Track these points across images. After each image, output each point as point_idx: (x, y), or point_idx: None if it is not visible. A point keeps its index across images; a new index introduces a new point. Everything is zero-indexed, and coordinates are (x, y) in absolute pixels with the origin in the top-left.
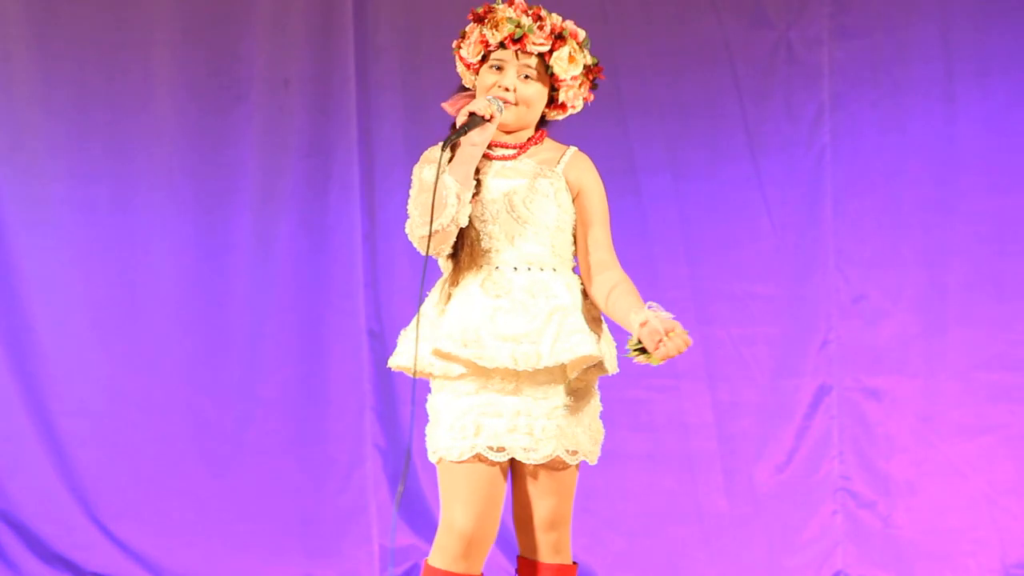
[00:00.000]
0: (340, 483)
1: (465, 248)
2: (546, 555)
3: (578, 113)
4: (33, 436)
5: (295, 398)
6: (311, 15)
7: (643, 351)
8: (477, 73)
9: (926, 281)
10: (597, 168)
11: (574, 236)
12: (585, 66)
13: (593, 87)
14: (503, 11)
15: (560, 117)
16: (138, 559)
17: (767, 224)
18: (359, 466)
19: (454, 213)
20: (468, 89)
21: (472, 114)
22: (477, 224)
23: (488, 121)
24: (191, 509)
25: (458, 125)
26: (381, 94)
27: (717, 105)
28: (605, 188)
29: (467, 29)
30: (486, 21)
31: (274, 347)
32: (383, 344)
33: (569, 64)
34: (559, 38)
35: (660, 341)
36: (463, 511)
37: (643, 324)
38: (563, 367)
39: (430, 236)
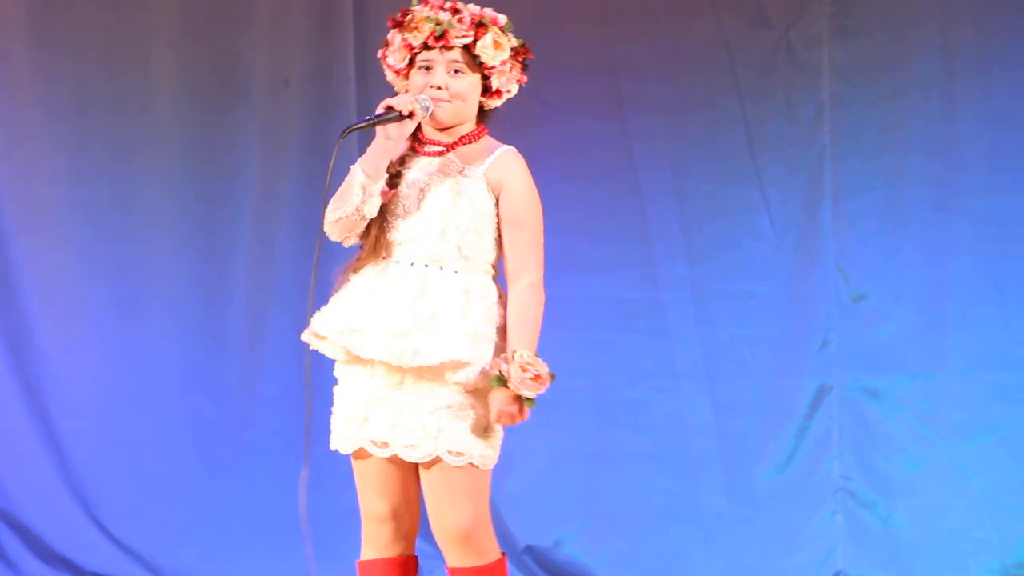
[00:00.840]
0: (340, 483)
1: (370, 237)
2: (457, 559)
3: (578, 113)
4: (33, 436)
5: (295, 398)
6: (311, 15)
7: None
8: (407, 78)
9: (926, 281)
10: (597, 165)
11: (498, 240)
12: (512, 49)
13: (524, 68)
14: (420, 12)
15: (498, 103)
16: (138, 559)
17: (767, 224)
18: None
19: (357, 203)
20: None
21: (389, 107)
22: (388, 216)
23: (408, 117)
24: (191, 509)
25: (373, 113)
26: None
27: (717, 105)
28: (539, 192)
29: (388, 37)
30: (405, 25)
31: (274, 347)
32: None
33: (495, 50)
34: (480, 26)
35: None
36: (375, 497)
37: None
38: (441, 366)
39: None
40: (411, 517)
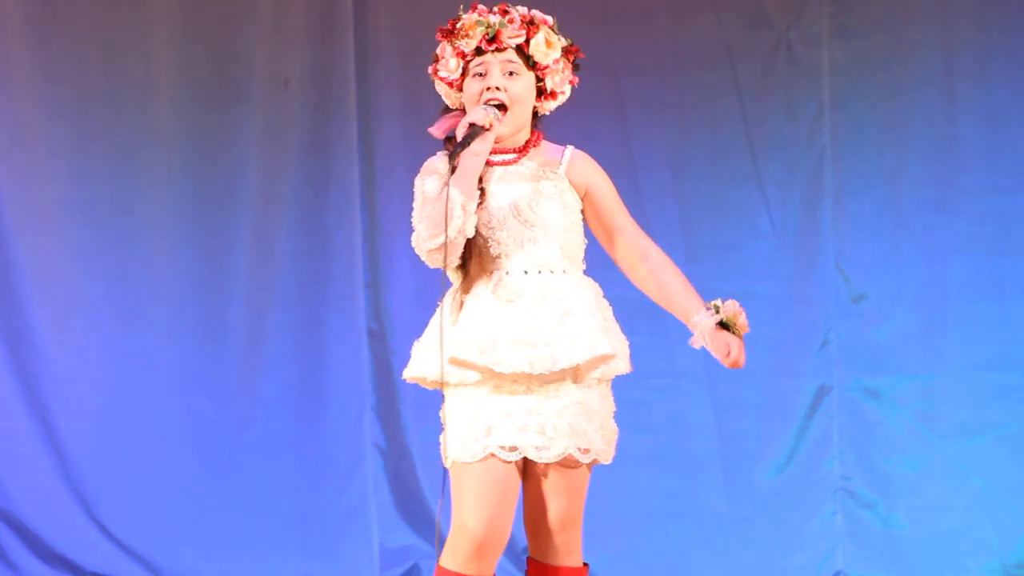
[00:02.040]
0: (340, 483)
1: (474, 256)
2: (557, 557)
3: (579, 113)
4: (33, 436)
5: (295, 398)
6: (311, 15)
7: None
8: (461, 89)
9: (926, 281)
10: (597, 161)
11: (586, 236)
12: (563, 48)
13: (575, 68)
14: (470, 18)
15: (552, 106)
16: (138, 559)
17: (767, 224)
18: (359, 466)
19: (460, 224)
20: (451, 110)
21: (472, 124)
22: (484, 231)
23: (487, 130)
24: (191, 509)
25: (459, 138)
26: (381, 94)
27: (717, 105)
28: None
29: (438, 50)
30: (455, 33)
31: (274, 347)
32: (383, 344)
33: (548, 48)
34: (531, 25)
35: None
36: (475, 513)
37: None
38: (576, 367)
39: (446, 248)
40: (499, 540)
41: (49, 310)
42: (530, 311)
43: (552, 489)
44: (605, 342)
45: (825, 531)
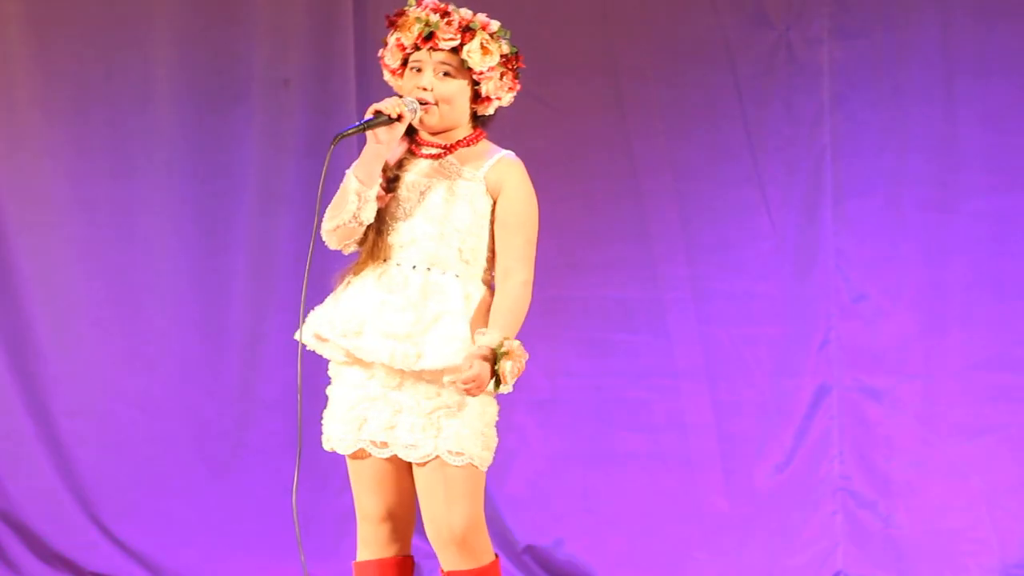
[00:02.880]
0: (340, 483)
1: (370, 240)
2: (460, 561)
3: (578, 113)
4: (33, 436)
5: (295, 398)
6: (311, 15)
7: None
8: (403, 77)
9: (926, 281)
10: (597, 165)
11: (492, 243)
12: (502, 55)
13: (516, 77)
14: (413, 12)
15: (489, 110)
16: (138, 559)
17: (767, 224)
18: None
19: (354, 210)
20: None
21: (378, 112)
22: (388, 219)
23: (396, 121)
24: (191, 509)
25: (362, 119)
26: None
27: (717, 105)
28: (537, 197)
29: (386, 37)
30: (399, 25)
31: (274, 347)
32: None
33: (483, 56)
34: (467, 31)
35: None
36: (370, 498)
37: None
38: (442, 371)
39: (313, 233)
40: (407, 517)
41: (49, 310)
42: (405, 305)
43: (427, 489)
44: (465, 354)
45: (825, 531)
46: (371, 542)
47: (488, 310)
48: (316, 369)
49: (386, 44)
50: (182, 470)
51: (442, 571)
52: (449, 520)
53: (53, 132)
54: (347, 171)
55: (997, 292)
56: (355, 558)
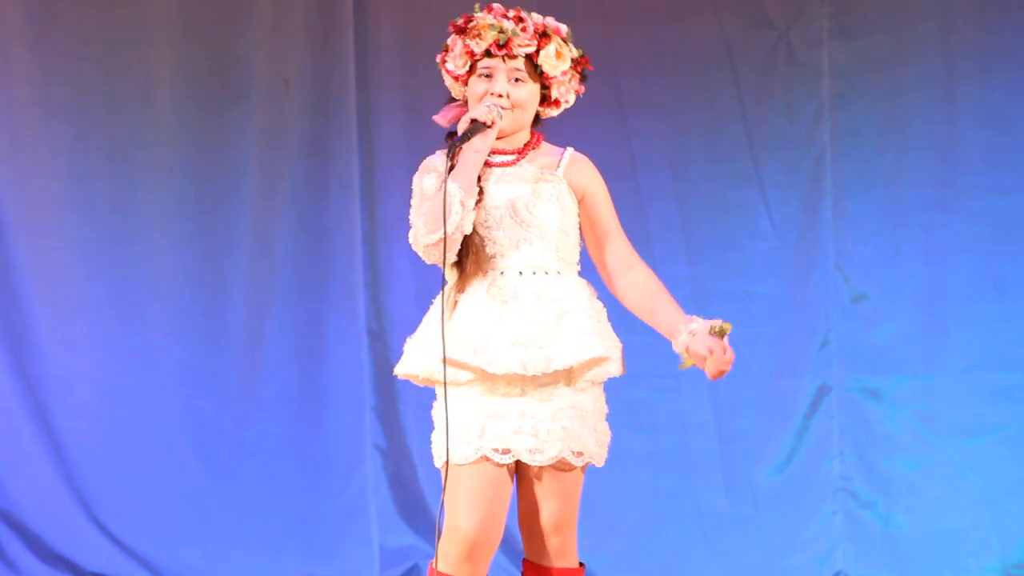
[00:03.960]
0: (340, 483)
1: (470, 255)
2: (552, 559)
3: (578, 113)
4: (33, 436)
5: (295, 398)
6: (311, 15)
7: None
8: (466, 84)
9: (926, 281)
10: (597, 166)
11: (581, 238)
12: (573, 60)
13: (583, 79)
14: (484, 19)
15: (554, 113)
16: (138, 559)
17: (767, 224)
18: (359, 466)
19: (459, 220)
20: (456, 100)
21: (474, 120)
22: (481, 230)
23: (489, 127)
24: (191, 509)
25: (460, 132)
26: (381, 94)
27: (717, 105)
28: (607, 183)
29: (449, 42)
30: (468, 31)
31: (274, 347)
32: (383, 344)
33: (557, 60)
34: (544, 36)
35: (705, 361)
36: (467, 515)
37: (687, 348)
38: (569, 369)
39: (445, 243)
40: (491, 542)
41: (49, 310)
42: (524, 312)
43: (545, 492)
44: (598, 344)
45: (825, 531)
46: (451, 554)
47: (595, 299)
48: (316, 369)
49: (447, 50)
50: (182, 470)
51: (550, 569)
52: (566, 516)
53: (53, 132)
54: (422, 184)
55: (997, 292)
56: (431, 563)
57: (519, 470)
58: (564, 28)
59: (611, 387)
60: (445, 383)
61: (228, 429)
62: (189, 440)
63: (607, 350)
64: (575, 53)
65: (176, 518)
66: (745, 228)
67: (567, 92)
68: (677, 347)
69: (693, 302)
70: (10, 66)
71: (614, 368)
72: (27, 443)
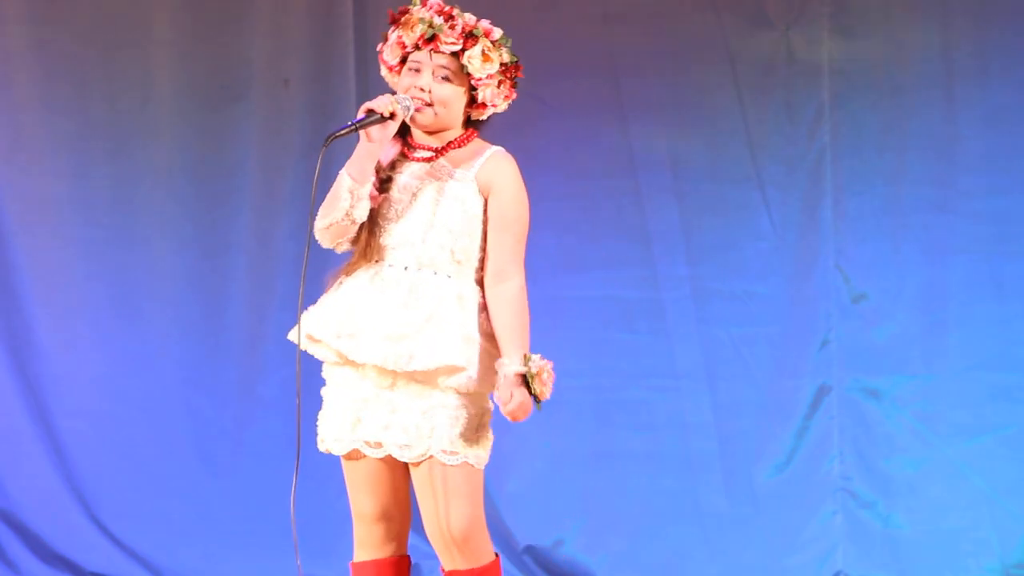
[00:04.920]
0: (340, 483)
1: (363, 241)
2: (460, 560)
3: (578, 113)
4: (33, 436)
5: (295, 398)
6: (311, 15)
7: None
8: (400, 75)
9: (926, 281)
10: (596, 165)
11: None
12: (502, 64)
13: (514, 85)
14: (417, 12)
15: (483, 116)
16: (138, 559)
17: (767, 224)
18: None
19: (347, 208)
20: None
21: (370, 111)
22: (381, 220)
23: (389, 119)
24: (191, 509)
25: (355, 118)
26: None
27: (717, 105)
28: (528, 193)
29: (387, 32)
30: (402, 23)
31: (274, 347)
32: None
33: (483, 63)
34: (470, 37)
35: (506, 407)
36: (366, 498)
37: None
38: (430, 371)
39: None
40: (402, 517)
41: (49, 310)
42: (398, 306)
43: (424, 490)
44: (459, 353)
45: (825, 531)
46: (367, 542)
47: (481, 309)
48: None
49: (386, 39)
50: (182, 470)
51: (443, 571)
52: (448, 520)
53: (53, 132)
54: (340, 170)
55: (997, 292)
56: (352, 558)
57: (411, 474)
58: (497, 31)
59: (611, 387)
60: (299, 365)
61: (228, 429)
62: (189, 440)
63: (466, 360)
64: (506, 58)
65: (176, 518)
66: (745, 228)
67: (495, 96)
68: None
69: (693, 302)
70: (10, 66)
71: (469, 382)
72: (27, 443)
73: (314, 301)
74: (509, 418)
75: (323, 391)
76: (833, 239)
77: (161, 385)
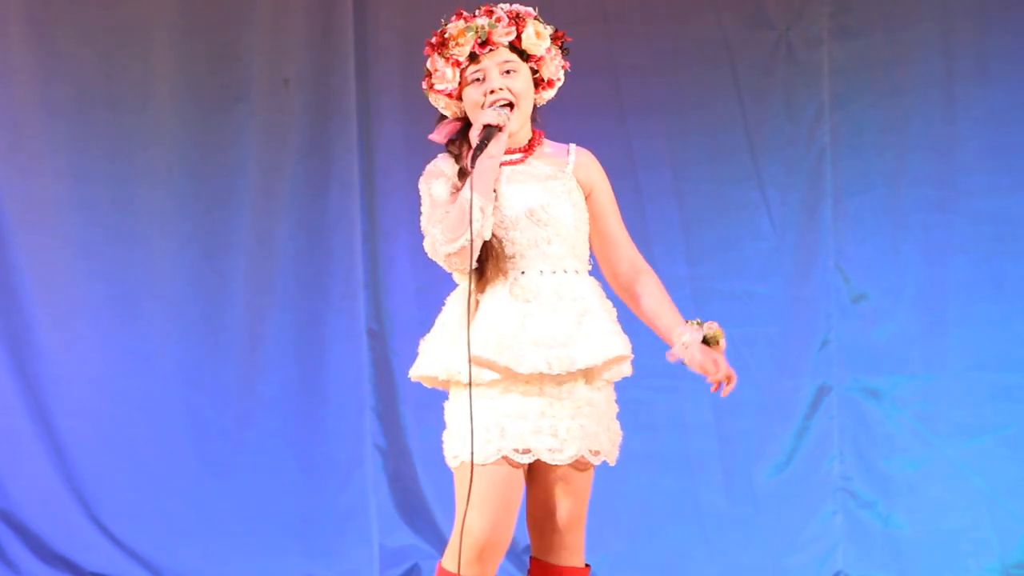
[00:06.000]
0: (340, 483)
1: (490, 257)
2: (561, 557)
3: (579, 113)
4: (33, 436)
5: (295, 398)
6: (311, 15)
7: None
8: (460, 98)
9: (926, 281)
10: (598, 161)
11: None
12: (552, 36)
13: (565, 52)
14: (456, 26)
15: (550, 95)
16: (138, 559)
17: (767, 224)
18: (359, 466)
19: (479, 227)
20: (446, 118)
21: (487, 126)
22: (499, 232)
23: (500, 130)
24: (191, 509)
25: (477, 140)
26: (381, 94)
27: (717, 105)
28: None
29: (429, 65)
30: (446, 44)
31: (274, 347)
32: (383, 344)
33: (538, 39)
34: (518, 19)
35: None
36: (479, 516)
37: (682, 357)
38: (588, 368)
39: (471, 251)
40: (502, 543)
41: (49, 310)
42: (547, 311)
43: (562, 491)
44: (620, 344)
45: (825, 531)
46: (462, 555)
47: (603, 299)
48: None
49: (430, 74)
50: (182, 470)
51: (558, 567)
52: (576, 515)
53: (53, 132)
54: (431, 191)
55: (997, 292)
56: (439, 562)
57: (532, 469)
58: (533, 9)
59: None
60: (471, 384)
61: (228, 429)
62: (189, 440)
63: (627, 349)
64: (550, 29)
65: (176, 518)
66: (745, 228)
67: (556, 69)
68: (670, 357)
69: (693, 302)
70: (10, 66)
71: (628, 368)
72: (27, 443)
73: (314, 302)
74: (726, 382)
75: (448, 409)
76: (833, 239)
77: (161, 385)
